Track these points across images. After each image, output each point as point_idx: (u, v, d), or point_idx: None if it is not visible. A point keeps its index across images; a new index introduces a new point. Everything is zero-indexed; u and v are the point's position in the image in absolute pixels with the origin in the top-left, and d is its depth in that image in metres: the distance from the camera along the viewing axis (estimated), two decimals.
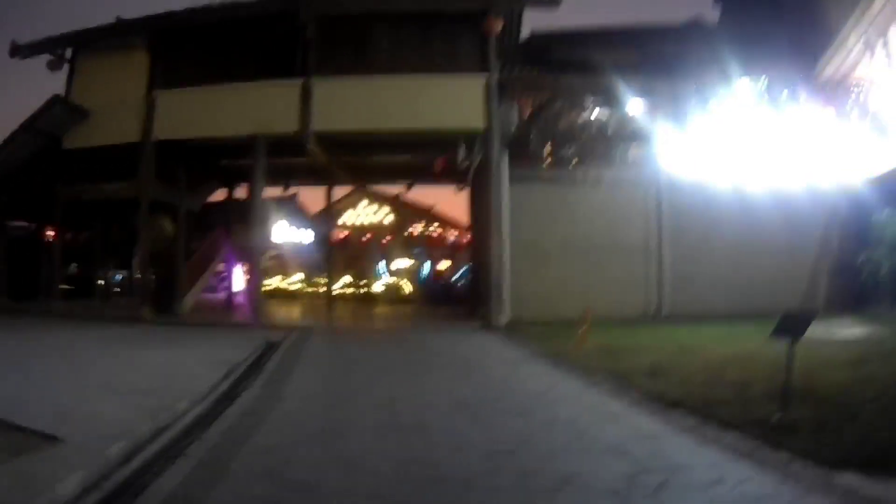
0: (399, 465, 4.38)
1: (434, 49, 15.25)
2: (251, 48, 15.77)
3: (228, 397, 6.96)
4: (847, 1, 14.77)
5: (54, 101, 16.27)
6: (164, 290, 16.95)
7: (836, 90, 16.13)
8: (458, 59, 15.15)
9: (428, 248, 29.02)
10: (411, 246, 28.24)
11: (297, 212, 22.24)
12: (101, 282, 22.13)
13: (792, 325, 5.90)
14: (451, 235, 30.74)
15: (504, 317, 14.55)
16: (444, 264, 27.63)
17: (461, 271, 25.18)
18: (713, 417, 5.54)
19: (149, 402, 6.12)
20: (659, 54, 18.45)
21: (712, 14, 21.73)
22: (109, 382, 7.26)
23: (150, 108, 15.92)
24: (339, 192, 26.53)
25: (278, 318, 17.10)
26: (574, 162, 16.52)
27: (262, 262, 15.44)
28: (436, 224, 30.84)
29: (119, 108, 16.27)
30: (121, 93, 16.38)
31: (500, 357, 10.25)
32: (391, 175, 20.93)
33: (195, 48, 16.25)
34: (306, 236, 23.72)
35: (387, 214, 29.61)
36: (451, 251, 29.12)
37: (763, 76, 16.71)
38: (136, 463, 4.37)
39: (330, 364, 9.48)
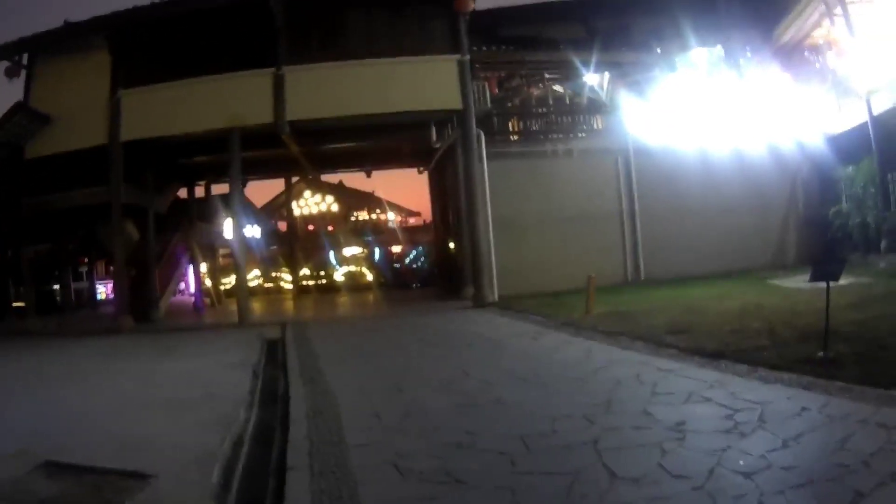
0: (519, 440, 4.38)
1: (406, 31, 15.17)
2: (219, 40, 15.26)
3: (275, 399, 6.88)
4: None
5: (16, 108, 15.42)
6: (137, 297, 16.41)
7: (793, 54, 16.94)
8: (430, 41, 15.11)
9: (376, 233, 29.11)
10: (359, 232, 28.19)
11: (245, 207, 21.78)
12: (57, 295, 21.32)
13: (827, 271, 6.39)
14: (397, 219, 31.01)
15: (493, 294, 14.78)
16: (395, 248, 27.77)
17: (415, 254, 25.35)
18: (760, 362, 5.92)
19: (202, 416, 5.88)
20: (608, 26, 18.94)
21: None
22: (142, 399, 6.87)
23: (115, 108, 15.23)
24: (283, 184, 26.25)
25: (259, 316, 16.85)
26: (543, 136, 16.90)
27: (241, 258, 15.04)
28: (378, 209, 30.93)
29: (82, 111, 15.50)
30: (83, 96, 15.60)
31: (515, 331, 10.36)
32: (353, 161, 20.76)
33: (160, 44, 15.62)
34: (255, 231, 23.27)
35: (332, 203, 29.35)
36: (402, 235, 29.26)
37: (719, 44, 17.36)
38: (249, 484, 4.20)
39: (352, 355, 9.33)
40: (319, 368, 8.03)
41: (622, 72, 17.52)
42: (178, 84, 15.18)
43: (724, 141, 16.39)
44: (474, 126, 14.81)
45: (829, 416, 4.33)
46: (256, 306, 20.60)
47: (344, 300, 21.72)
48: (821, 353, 5.79)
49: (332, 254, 25.06)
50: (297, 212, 27.98)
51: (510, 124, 17.30)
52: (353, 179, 29.69)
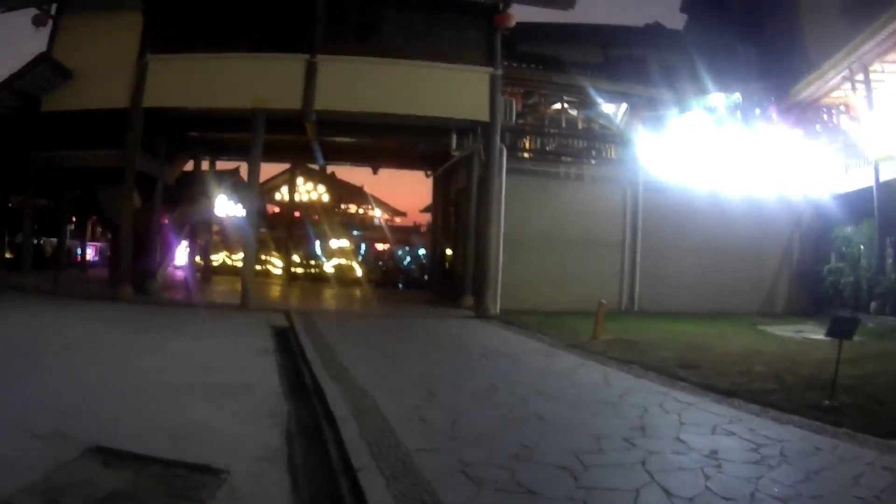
0: (573, 456, 4.61)
1: (441, 37, 15.35)
2: (254, 18, 15.27)
3: (307, 391, 6.89)
4: (824, 30, 16.13)
5: (41, 59, 15.17)
6: (136, 267, 16.22)
7: (808, 110, 17.50)
8: (464, 50, 15.32)
9: (363, 228, 29.15)
10: (347, 226, 28.21)
11: (237, 186, 21.64)
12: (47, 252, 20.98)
13: (842, 328, 6.98)
14: (384, 217, 31.08)
15: (496, 307, 15.01)
16: (381, 246, 27.86)
17: (402, 254, 25.52)
18: (770, 404, 6.36)
19: (246, 405, 5.91)
20: (624, 55, 19.43)
21: (673, 21, 23.08)
22: (173, 381, 6.73)
23: (140, 73, 15.18)
24: (278, 168, 26.29)
25: (259, 301, 16.77)
26: (556, 157, 17.24)
27: (250, 240, 15.05)
28: (367, 205, 30.99)
29: (106, 70, 15.36)
30: (109, 55, 15.48)
31: (525, 347, 10.54)
32: (362, 156, 20.79)
33: (194, 13, 15.52)
34: (237, 211, 23.15)
35: (322, 193, 29.33)
36: (388, 233, 29.35)
37: (735, 91, 17.88)
38: (320, 484, 4.20)
39: (371, 353, 9.23)
40: (342, 364, 8.04)
41: (639, 105, 17.90)
42: (207, 57, 15.20)
43: (730, 186, 16.85)
44: (499, 140, 15.05)
45: (840, 456, 4.82)
46: (238, 288, 20.50)
47: (338, 293, 21.63)
48: (826, 401, 6.25)
49: (318, 244, 24.99)
50: (287, 197, 27.91)
51: (524, 141, 17.54)
52: (343, 172, 29.89)
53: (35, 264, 18.86)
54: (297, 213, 26.69)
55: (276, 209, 29.05)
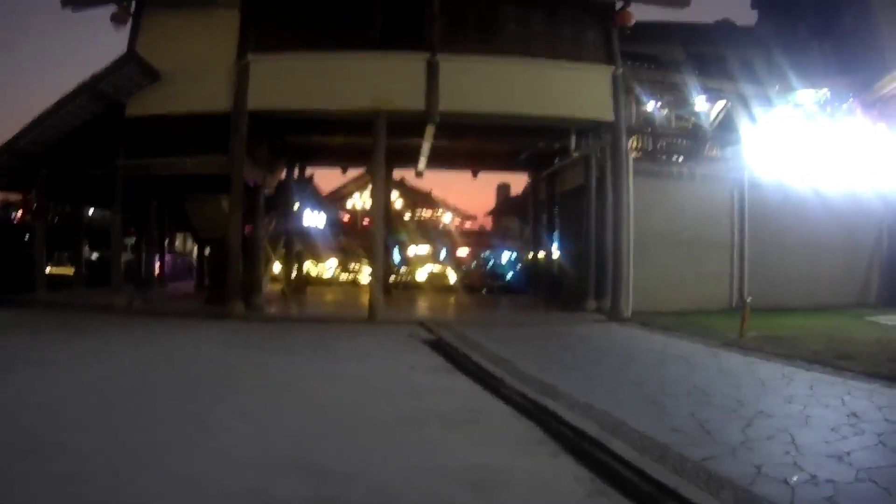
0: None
1: (560, 36, 14.85)
2: (365, 16, 14.38)
3: (539, 410, 6.18)
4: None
5: (128, 58, 13.95)
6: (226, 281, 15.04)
7: (890, 105, 17.78)
8: (583, 49, 14.87)
9: (439, 234, 28.26)
10: (424, 232, 27.35)
11: (313, 194, 20.75)
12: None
13: None
14: (456, 221, 30.28)
15: (628, 309, 14.65)
16: (462, 251, 27.05)
17: (485, 258, 24.84)
18: None
19: (495, 435, 5.45)
20: (704, 53, 19.39)
21: (739, 18, 23.28)
22: (383, 414, 6.05)
23: (242, 74, 14.15)
24: (350, 174, 25.18)
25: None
26: (666, 156, 17.02)
27: (378, 249, 14.18)
28: (438, 209, 30.13)
29: (201, 72, 14.32)
30: (202, 55, 14.43)
31: (685, 349, 10.33)
32: (463, 159, 20.01)
33: (296, 12, 14.56)
34: (321, 220, 22.25)
35: (395, 199, 28.29)
36: (461, 238, 28.55)
37: (823, 87, 18.04)
38: None
39: (550, 365, 8.68)
40: (534, 377, 7.56)
41: (733, 102, 17.83)
42: (316, 56, 14.31)
43: (824, 181, 16.99)
44: (625, 140, 14.67)
45: None
46: (341, 298, 19.81)
47: (445, 300, 20.54)
48: None
49: (398, 251, 24.04)
50: (359, 205, 26.79)
51: (631, 141, 17.23)
52: (411, 177, 28.68)
53: (100, 280, 17.44)
54: (367, 221, 25.64)
55: (348, 216, 27.85)
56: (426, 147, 16.30)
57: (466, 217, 32.39)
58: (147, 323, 12.96)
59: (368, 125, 14.46)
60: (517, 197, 28.46)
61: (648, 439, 5.01)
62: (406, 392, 7.10)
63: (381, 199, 14.55)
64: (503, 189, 33.15)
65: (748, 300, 11.95)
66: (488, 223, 32.49)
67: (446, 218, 30.79)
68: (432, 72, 14.04)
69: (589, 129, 15.57)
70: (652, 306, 15.09)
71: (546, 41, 14.76)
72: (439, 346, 10.64)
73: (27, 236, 17.92)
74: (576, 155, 16.04)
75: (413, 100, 13.96)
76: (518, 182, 35.80)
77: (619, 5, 14.88)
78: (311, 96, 14.13)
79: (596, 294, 15.36)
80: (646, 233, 15.93)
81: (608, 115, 14.67)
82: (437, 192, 31.67)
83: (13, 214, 22.88)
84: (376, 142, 14.05)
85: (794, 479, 4.15)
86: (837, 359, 8.46)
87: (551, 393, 6.72)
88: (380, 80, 14.07)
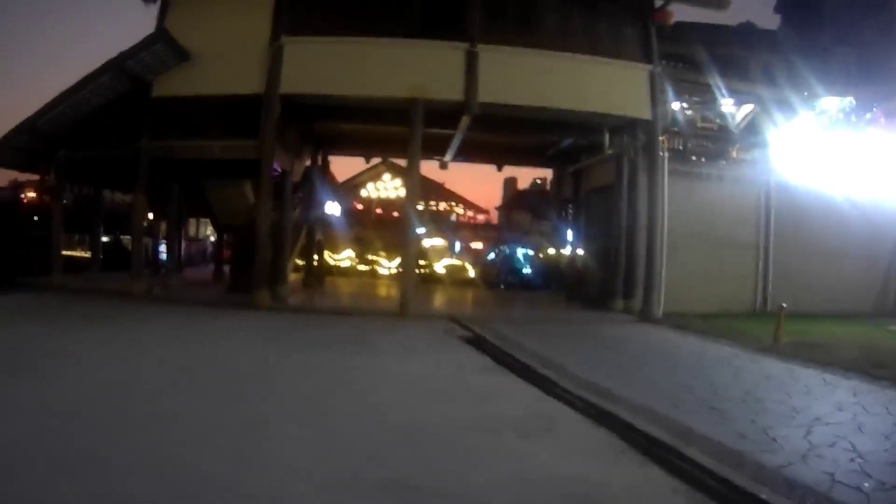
0: None
1: (598, 32, 14.63)
2: (405, 2, 14.03)
3: (605, 415, 6.07)
4: None
5: (157, 36, 13.50)
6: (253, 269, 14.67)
7: None
8: (621, 46, 14.69)
9: (452, 227, 27.85)
10: (438, 224, 26.94)
11: (330, 183, 20.35)
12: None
13: None
14: (468, 215, 29.90)
15: (659, 310, 14.55)
16: (476, 245, 26.71)
17: (499, 252, 24.57)
18: None
19: (578, 444, 5.19)
20: (727, 55, 19.28)
21: (759, 20, 23.21)
22: (442, 417, 5.79)
23: (276, 56, 13.74)
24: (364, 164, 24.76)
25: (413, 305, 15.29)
26: (695, 157, 16.94)
27: (412, 240, 13.93)
28: (451, 202, 29.71)
29: (232, 53, 13.96)
30: (233, 36, 14.09)
31: (722, 353, 10.30)
32: (487, 152, 19.72)
33: None
34: (337, 209, 21.86)
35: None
36: (474, 232, 28.21)
37: (848, 95, 18.06)
38: None
39: (595, 368, 8.43)
40: (589, 381, 7.40)
41: (758, 105, 17.81)
42: (353, 41, 13.91)
43: (847, 188, 17.04)
44: (660, 138, 14.53)
45: None
46: (363, 290, 19.44)
47: (469, 294, 20.14)
48: None
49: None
50: (374, 194, 26.32)
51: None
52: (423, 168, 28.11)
53: (115, 264, 16.94)
54: (378, 211, 25.23)
55: (361, 206, 27.34)
56: (457, 139, 15.98)
57: (478, 210, 32.01)
58: (170, 312, 12.55)
59: (400, 114, 14.20)
60: (528, 191, 28.30)
61: (721, 446, 5.04)
62: (464, 395, 6.85)
63: (416, 191, 14.24)
64: (510, 183, 32.94)
65: (784, 306, 11.83)
66: (495, 217, 32.18)
67: (458, 210, 30.38)
68: (471, 62, 13.77)
69: (622, 126, 15.38)
70: (677, 307, 15.00)
71: (584, 36, 14.55)
72: (479, 344, 10.48)
73: (35, 218, 17.39)
74: (609, 152, 15.81)
75: (451, 90, 13.69)
76: (524, 176, 35.71)
77: (658, 3, 14.73)
78: (346, 82, 13.77)
79: (624, 294, 15.22)
80: (675, 233, 15.85)
81: (645, 114, 14.54)
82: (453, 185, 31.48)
83: (21, 195, 22.15)
84: (412, 131, 13.76)
85: (866, 485, 4.25)
86: (872, 367, 8.59)
87: (610, 397, 6.68)
88: (418, 68, 13.77)
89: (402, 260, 14.70)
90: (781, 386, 7.60)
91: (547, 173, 25.82)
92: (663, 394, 6.98)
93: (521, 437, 5.31)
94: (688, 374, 8.34)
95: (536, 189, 30.36)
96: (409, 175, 14.20)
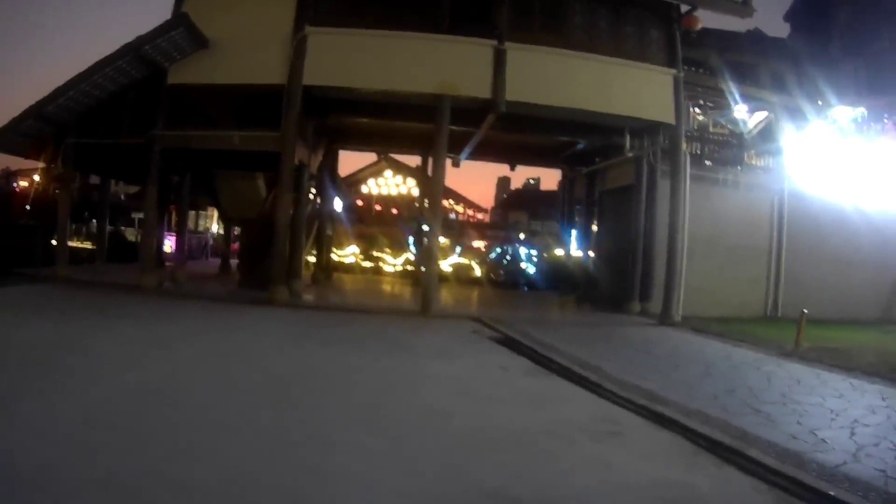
0: None
1: (624, 35, 14.57)
2: None
3: (664, 422, 5.97)
4: None
5: (177, 21, 13.00)
6: (268, 264, 14.27)
7: None
8: (647, 50, 14.65)
9: (453, 225, 27.46)
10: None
11: (336, 178, 19.94)
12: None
13: None
14: (467, 213, 29.62)
15: (678, 313, 14.53)
16: (478, 244, 26.44)
17: (501, 252, 24.41)
18: None
19: (652, 454, 4.99)
20: (739, 62, 19.41)
21: (767, 27, 23.24)
22: (504, 425, 5.57)
23: (299, 47, 13.38)
24: (365, 159, 24.46)
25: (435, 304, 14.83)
26: (711, 162, 16.97)
27: (434, 239, 13.67)
28: (450, 200, 29.38)
29: (252, 41, 13.58)
30: (255, 24, 13.71)
31: (746, 358, 10.25)
32: (502, 151, 19.50)
33: None
34: (341, 205, 21.50)
35: (412, 187, 27.20)
36: (474, 230, 27.94)
37: (860, 105, 18.27)
38: None
39: (635, 371, 8.35)
40: (640, 387, 7.25)
41: (773, 112, 17.92)
42: (379, 34, 13.60)
43: (859, 197, 17.25)
44: (683, 143, 14.51)
45: None
46: (373, 287, 19.15)
47: (479, 294, 19.88)
48: None
49: (413, 240, 23.29)
50: (374, 190, 25.85)
51: None
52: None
53: (116, 256, 16.35)
54: (378, 207, 24.81)
55: (362, 202, 26.85)
56: (476, 137, 15.77)
57: (477, 209, 31.77)
58: (185, 307, 12.12)
59: (422, 110, 14.02)
60: (525, 190, 28.17)
61: (777, 446, 5.18)
62: (518, 398, 6.69)
63: (440, 188, 13.98)
64: (503, 182, 32.86)
65: (805, 312, 11.89)
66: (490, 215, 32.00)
67: (458, 209, 30.12)
68: (499, 60, 13.58)
69: (644, 129, 15.34)
70: (691, 311, 15.04)
71: (610, 38, 14.48)
72: (512, 345, 10.31)
73: (27, 207, 16.72)
74: (630, 154, 15.74)
75: (479, 87, 13.49)
76: (518, 176, 35.64)
77: (684, 9, 14.70)
78: (372, 76, 13.47)
79: (641, 296, 15.18)
80: (691, 237, 15.87)
81: (669, 118, 14.53)
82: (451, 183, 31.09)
83: (14, 184, 21.31)
84: (438, 128, 13.50)
85: None
86: (891, 372, 8.77)
87: (658, 400, 6.68)
88: (445, 64, 13.53)
89: (425, 258, 14.38)
90: (813, 389, 7.70)
91: (547, 173, 25.79)
92: (706, 396, 7.05)
93: (595, 442, 5.27)
94: (722, 378, 8.34)
95: (533, 189, 30.40)
96: (434, 172, 13.93)
